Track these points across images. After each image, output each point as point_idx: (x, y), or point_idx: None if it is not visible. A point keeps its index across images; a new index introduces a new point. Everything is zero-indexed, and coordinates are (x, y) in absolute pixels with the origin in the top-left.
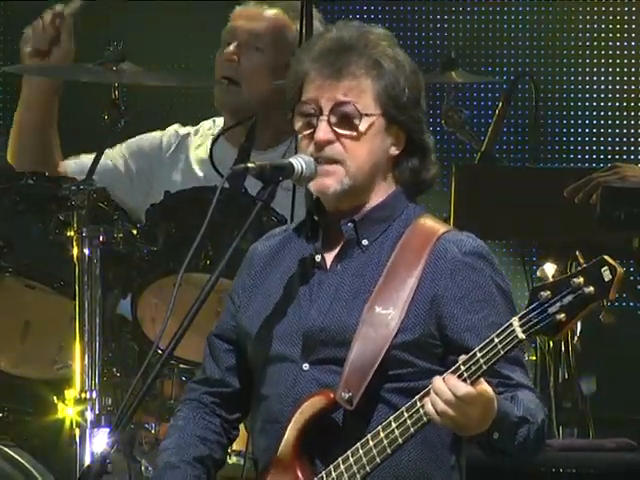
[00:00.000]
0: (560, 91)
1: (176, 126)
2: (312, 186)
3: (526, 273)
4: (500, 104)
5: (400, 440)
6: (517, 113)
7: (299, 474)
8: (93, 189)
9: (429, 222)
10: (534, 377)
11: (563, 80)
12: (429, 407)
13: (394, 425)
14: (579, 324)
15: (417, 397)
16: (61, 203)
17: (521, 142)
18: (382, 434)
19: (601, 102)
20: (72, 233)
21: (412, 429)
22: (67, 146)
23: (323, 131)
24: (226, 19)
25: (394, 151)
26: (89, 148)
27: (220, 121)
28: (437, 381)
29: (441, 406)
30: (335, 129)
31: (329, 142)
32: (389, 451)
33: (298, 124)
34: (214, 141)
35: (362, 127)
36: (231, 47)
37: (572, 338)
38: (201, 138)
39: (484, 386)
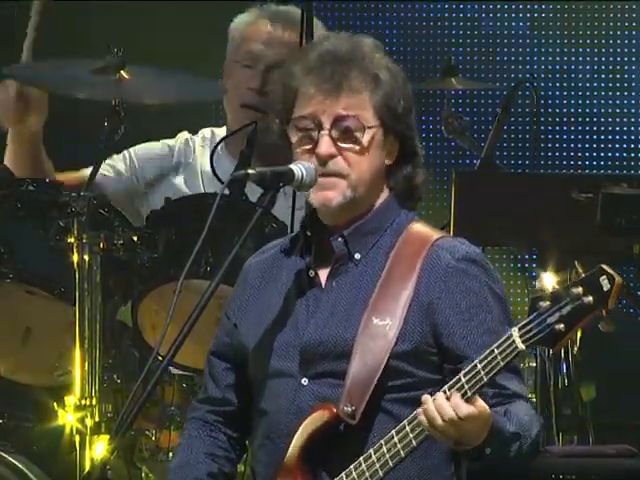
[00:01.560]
0: (560, 97)
1: (186, 134)
2: (313, 199)
3: (526, 280)
4: (500, 110)
5: (402, 453)
6: (517, 119)
7: None
8: (93, 196)
9: (421, 229)
10: (534, 384)
11: (563, 86)
12: (423, 419)
13: (396, 438)
14: (579, 331)
15: (419, 410)
16: (62, 209)
17: (521, 148)
18: (384, 447)
19: (601, 108)
20: (72, 239)
21: (414, 442)
22: (67, 153)
23: (325, 145)
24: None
25: (388, 161)
26: (89, 155)
27: (220, 131)
28: (440, 398)
29: (440, 423)
30: (338, 143)
31: (332, 156)
32: (391, 464)
33: (294, 138)
34: (214, 148)
35: (365, 140)
36: (259, 77)
37: (572, 345)
38: (203, 149)
39: (482, 403)
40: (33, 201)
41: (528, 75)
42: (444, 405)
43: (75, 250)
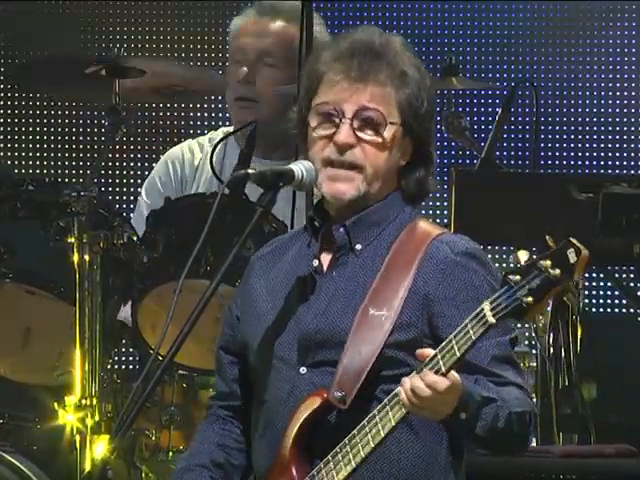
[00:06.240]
0: (560, 97)
1: (180, 147)
2: (326, 190)
3: None
4: (500, 110)
5: (382, 432)
6: (517, 119)
7: (294, 473)
8: (93, 195)
9: (424, 225)
10: (535, 384)
11: (563, 86)
12: (403, 397)
13: (377, 417)
14: (579, 331)
15: (398, 388)
16: (62, 209)
17: (521, 148)
18: (367, 427)
19: (601, 108)
20: (72, 239)
21: (392, 420)
22: (68, 152)
23: (345, 134)
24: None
25: (402, 161)
26: (89, 154)
27: (216, 134)
28: (415, 379)
29: (415, 401)
30: (357, 134)
31: (350, 146)
32: (372, 444)
33: (314, 123)
34: (214, 148)
35: (386, 135)
36: (244, 68)
37: (573, 344)
38: (201, 154)
39: (454, 373)
40: (33, 201)
41: (528, 75)
42: (419, 385)
43: (75, 250)
